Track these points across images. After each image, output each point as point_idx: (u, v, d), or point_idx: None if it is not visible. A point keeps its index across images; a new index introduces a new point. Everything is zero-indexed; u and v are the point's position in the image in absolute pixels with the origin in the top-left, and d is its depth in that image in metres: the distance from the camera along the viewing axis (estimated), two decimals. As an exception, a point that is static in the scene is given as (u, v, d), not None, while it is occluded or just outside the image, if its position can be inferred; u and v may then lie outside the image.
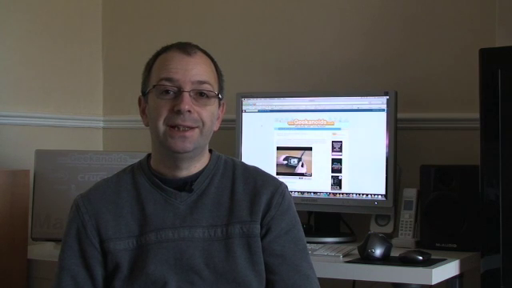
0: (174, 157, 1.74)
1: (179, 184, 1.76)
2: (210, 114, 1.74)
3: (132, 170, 1.82)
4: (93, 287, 1.73)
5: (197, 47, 1.78)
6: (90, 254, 1.73)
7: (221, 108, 1.81)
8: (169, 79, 1.72)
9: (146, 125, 1.79)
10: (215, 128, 1.80)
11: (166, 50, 1.78)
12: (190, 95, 1.71)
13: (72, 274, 1.73)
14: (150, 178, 1.77)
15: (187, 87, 1.71)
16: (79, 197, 1.80)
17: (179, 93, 1.71)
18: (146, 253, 1.71)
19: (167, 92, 1.72)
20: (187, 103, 1.70)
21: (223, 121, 1.85)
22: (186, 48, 1.76)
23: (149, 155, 1.83)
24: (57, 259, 1.79)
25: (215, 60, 1.81)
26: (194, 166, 1.77)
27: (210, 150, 1.83)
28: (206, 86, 1.74)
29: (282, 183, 1.83)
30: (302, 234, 1.83)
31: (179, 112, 1.70)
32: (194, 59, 1.74)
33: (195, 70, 1.73)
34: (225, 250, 1.71)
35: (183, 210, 1.74)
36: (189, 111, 1.70)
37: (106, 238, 1.73)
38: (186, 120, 1.70)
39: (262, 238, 1.75)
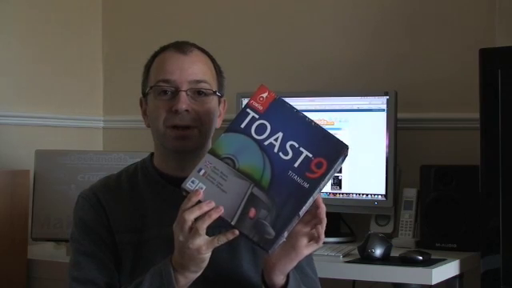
0: (177, 157, 1.74)
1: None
2: (208, 112, 1.73)
3: (136, 168, 1.81)
4: (116, 271, 1.71)
5: (194, 45, 1.78)
6: (108, 240, 1.72)
7: (222, 105, 1.81)
8: (166, 80, 1.72)
9: (148, 126, 1.79)
10: (217, 125, 1.79)
11: (163, 50, 1.78)
12: (187, 94, 1.71)
13: (98, 259, 1.70)
14: (154, 177, 1.77)
15: (184, 87, 1.71)
16: (85, 190, 1.79)
17: (176, 92, 1.71)
18: (149, 248, 1.70)
19: (165, 92, 1.72)
20: (184, 102, 1.70)
21: (223, 120, 1.84)
22: (182, 47, 1.75)
23: (152, 154, 1.82)
24: (57, 259, 1.79)
25: (214, 57, 1.81)
26: (198, 166, 1.76)
27: None
28: (202, 85, 1.73)
29: None
30: None
31: (177, 112, 1.69)
32: (190, 58, 1.74)
33: (191, 70, 1.73)
34: (229, 251, 1.70)
35: None
36: (186, 110, 1.70)
37: (115, 230, 1.72)
38: (184, 119, 1.70)
39: None
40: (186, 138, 1.71)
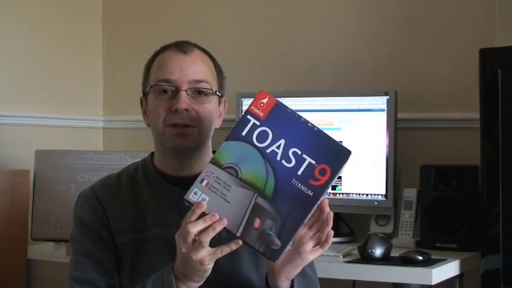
0: (176, 155, 1.74)
1: (183, 183, 1.75)
2: (208, 112, 1.73)
3: (136, 168, 1.81)
4: (117, 272, 1.72)
5: (194, 45, 1.78)
6: (108, 240, 1.72)
7: (222, 105, 1.81)
8: (166, 80, 1.72)
9: (148, 125, 1.79)
10: (217, 125, 1.79)
11: (163, 49, 1.78)
12: (187, 94, 1.71)
13: (98, 259, 1.70)
14: (155, 176, 1.77)
15: (184, 86, 1.71)
16: (85, 190, 1.79)
17: (176, 92, 1.71)
18: (149, 248, 1.70)
19: (165, 92, 1.72)
20: (184, 102, 1.70)
21: (223, 120, 1.85)
22: (182, 47, 1.75)
23: (152, 154, 1.82)
24: (56, 259, 1.79)
25: (214, 57, 1.81)
26: (198, 166, 1.76)
27: (215, 152, 1.83)
28: (203, 85, 1.73)
29: None
30: None
31: (177, 111, 1.70)
32: (190, 58, 1.74)
33: (192, 69, 1.73)
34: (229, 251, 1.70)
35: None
36: (186, 110, 1.70)
37: (115, 230, 1.73)
38: (183, 119, 1.70)
39: None
40: (185, 136, 1.71)
